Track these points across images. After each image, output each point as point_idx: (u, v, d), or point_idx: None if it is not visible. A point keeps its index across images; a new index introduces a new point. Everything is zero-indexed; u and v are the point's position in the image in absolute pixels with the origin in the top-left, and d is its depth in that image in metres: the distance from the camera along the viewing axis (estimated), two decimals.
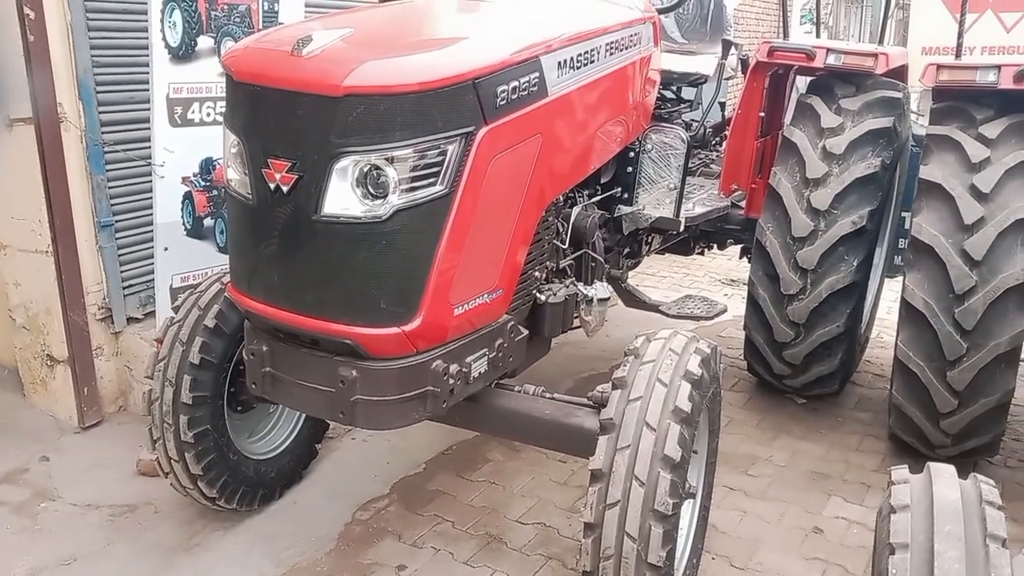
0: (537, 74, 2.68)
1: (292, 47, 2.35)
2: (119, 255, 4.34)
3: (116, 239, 4.31)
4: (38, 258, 4.20)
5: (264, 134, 2.42)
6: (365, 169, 2.32)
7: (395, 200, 2.34)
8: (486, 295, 2.72)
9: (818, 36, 5.53)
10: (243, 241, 2.60)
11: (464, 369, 2.70)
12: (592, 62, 3.03)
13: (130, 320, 4.46)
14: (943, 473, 1.98)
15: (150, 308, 4.41)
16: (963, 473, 2.10)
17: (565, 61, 2.86)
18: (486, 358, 2.81)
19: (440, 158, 2.39)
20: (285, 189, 2.37)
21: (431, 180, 2.39)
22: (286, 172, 2.35)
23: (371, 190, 2.34)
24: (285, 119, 2.35)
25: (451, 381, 2.63)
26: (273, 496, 3.67)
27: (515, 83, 2.57)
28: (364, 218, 2.35)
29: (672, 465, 2.40)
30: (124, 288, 4.38)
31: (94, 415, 4.38)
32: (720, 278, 7.16)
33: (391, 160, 2.31)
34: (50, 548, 3.40)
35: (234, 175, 2.56)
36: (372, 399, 2.52)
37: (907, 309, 3.63)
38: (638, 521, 2.37)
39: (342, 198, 2.34)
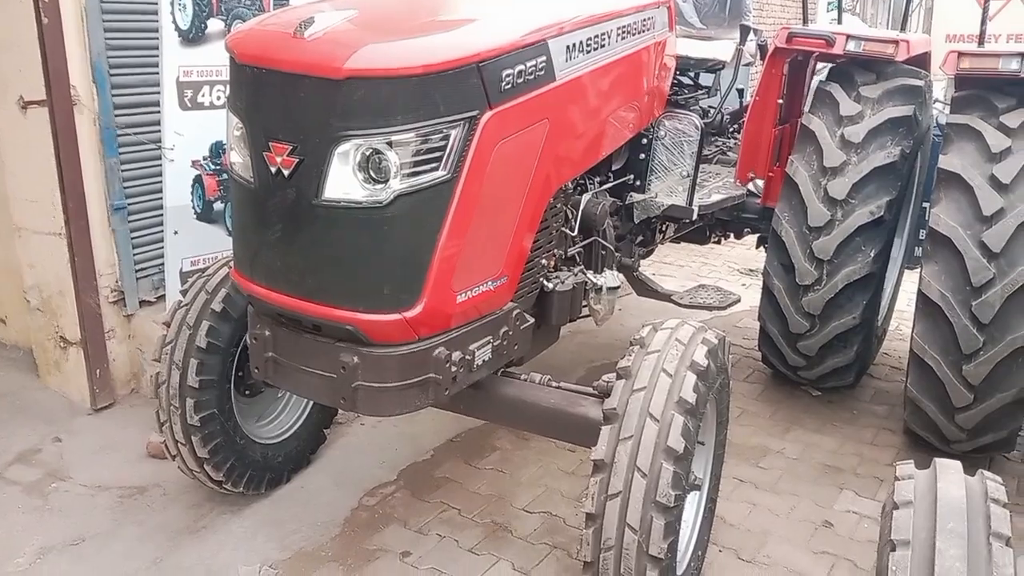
0: (544, 58, 2.64)
1: (294, 29, 2.33)
2: (132, 238, 4.35)
3: (129, 222, 4.32)
4: (51, 240, 4.23)
5: (266, 117, 2.40)
6: (366, 153, 2.29)
7: (396, 185, 2.31)
8: (490, 282, 2.69)
9: (839, 22, 5.43)
10: (245, 225, 2.59)
11: (467, 357, 2.67)
12: (603, 46, 2.98)
13: (143, 303, 4.48)
14: (949, 469, 1.93)
15: (162, 291, 4.42)
16: (977, 469, 2.05)
17: (574, 45, 2.81)
18: (490, 346, 2.78)
19: (443, 143, 2.36)
20: (286, 173, 2.35)
21: (433, 165, 2.36)
22: (287, 155, 2.33)
23: (372, 174, 2.31)
24: (286, 102, 2.33)
25: (453, 368, 2.61)
26: (280, 480, 3.68)
27: (521, 67, 2.53)
28: (365, 203, 2.32)
29: (675, 457, 2.37)
30: (137, 271, 4.40)
31: (106, 397, 4.41)
32: (739, 268, 7.08)
33: (392, 144, 2.28)
34: (59, 528, 3.42)
35: (237, 158, 2.54)
36: (373, 385, 2.51)
37: (923, 301, 3.57)
38: (639, 513, 2.34)
39: (343, 182, 2.31)
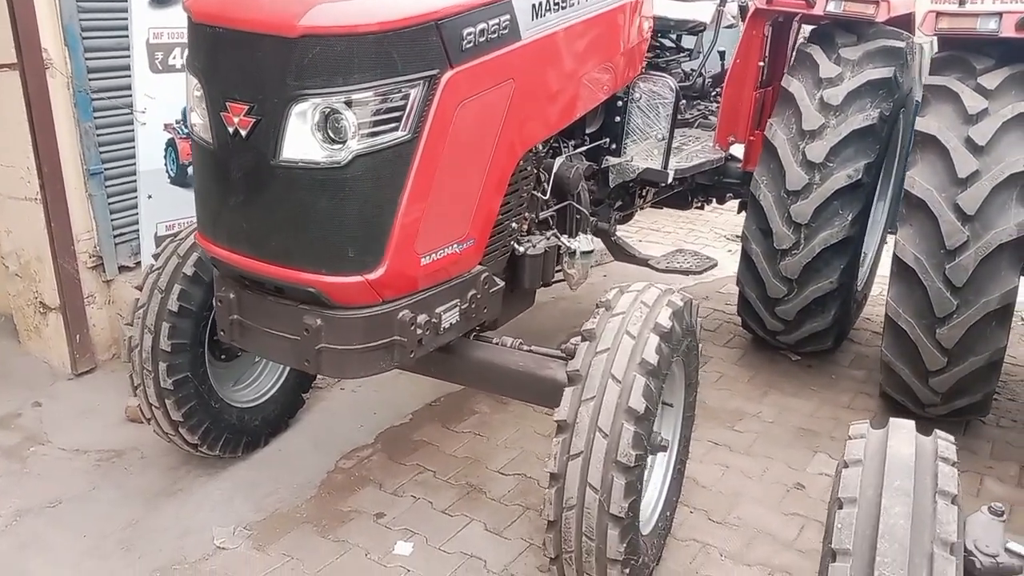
0: (508, 16, 2.60)
1: None
2: (109, 203, 4.32)
3: (106, 187, 4.29)
4: (27, 205, 4.20)
5: (222, 77, 2.37)
6: (324, 113, 2.27)
7: (355, 145, 2.29)
8: (456, 245, 2.68)
9: None
10: (206, 187, 2.57)
11: (433, 320, 2.67)
12: (572, 5, 2.94)
13: (122, 268, 4.47)
14: (901, 429, 1.93)
15: (140, 257, 4.41)
16: (953, 432, 2.05)
17: (541, 4, 2.77)
18: (457, 309, 2.78)
19: (402, 103, 2.33)
20: (244, 133, 2.32)
21: (393, 125, 2.34)
22: (244, 115, 2.30)
23: (331, 135, 2.29)
24: (243, 61, 2.30)
25: (419, 331, 2.61)
26: (258, 444, 3.70)
27: (483, 25, 2.49)
28: (323, 163, 2.31)
29: (636, 417, 2.37)
30: (115, 236, 4.38)
31: (87, 362, 4.42)
32: (725, 234, 7.06)
33: (350, 104, 2.25)
34: (37, 491, 3.45)
35: (197, 120, 2.52)
36: (337, 348, 2.51)
37: (898, 265, 3.56)
38: (600, 472, 2.35)
39: (301, 143, 2.29)
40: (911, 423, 2.00)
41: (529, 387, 2.86)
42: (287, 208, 2.38)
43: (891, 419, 2.05)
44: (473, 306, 2.86)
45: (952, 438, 1.94)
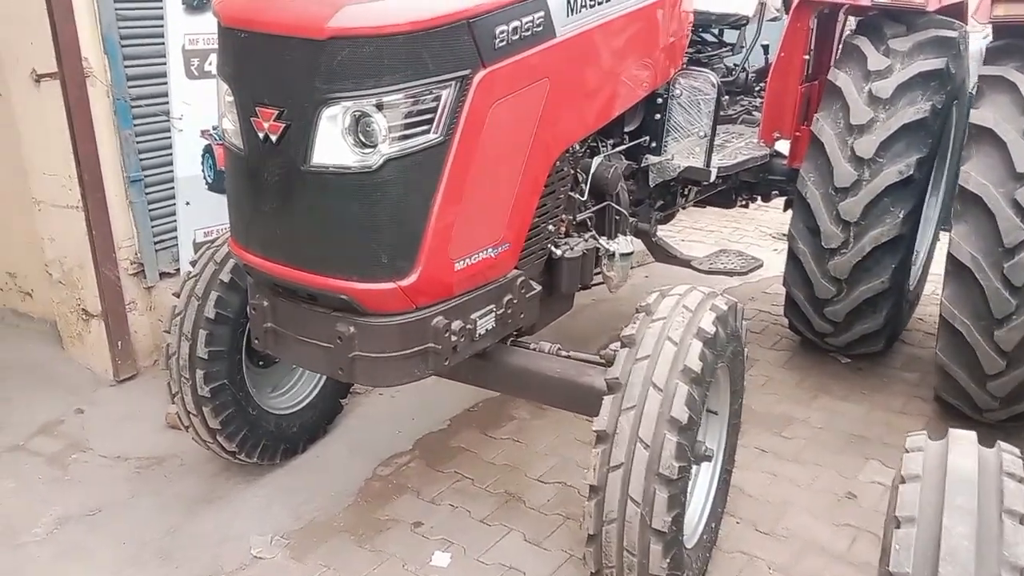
0: (542, 13, 2.52)
1: None
2: (150, 210, 4.35)
3: (146, 194, 4.32)
4: (69, 213, 4.24)
5: (252, 82, 2.33)
6: (355, 116, 2.22)
7: (386, 149, 2.24)
8: (491, 249, 2.61)
9: None
10: (238, 194, 2.54)
11: (468, 326, 2.60)
12: (608, 1, 2.85)
13: (163, 275, 4.50)
14: (962, 441, 1.82)
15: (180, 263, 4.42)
16: (1013, 438, 1.93)
17: (576, 0, 2.69)
18: (493, 314, 2.71)
19: (434, 104, 2.27)
20: (274, 138, 2.28)
21: (425, 128, 2.28)
22: (274, 120, 2.26)
23: (361, 138, 2.24)
24: (271, 65, 2.26)
25: (453, 338, 2.54)
26: (296, 450, 3.68)
27: (516, 23, 2.42)
28: (355, 168, 2.25)
29: (679, 427, 2.28)
30: (155, 243, 4.41)
31: (128, 368, 4.44)
32: (771, 232, 6.89)
33: (380, 107, 2.20)
34: (78, 498, 3.46)
35: (228, 125, 2.49)
36: (371, 355, 2.45)
37: (953, 264, 3.41)
38: (642, 485, 2.26)
39: (331, 147, 2.24)
40: (972, 434, 1.88)
41: (567, 395, 2.78)
42: (318, 214, 2.34)
43: (950, 430, 1.93)
44: (509, 311, 2.79)
45: (1018, 451, 1.82)
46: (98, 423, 4.04)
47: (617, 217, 3.45)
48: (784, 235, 6.75)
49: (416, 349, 2.49)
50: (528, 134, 2.61)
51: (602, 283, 3.46)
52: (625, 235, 3.45)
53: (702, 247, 6.51)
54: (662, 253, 4.29)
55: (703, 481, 2.88)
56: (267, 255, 2.49)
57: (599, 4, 2.79)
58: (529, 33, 2.47)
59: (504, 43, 2.39)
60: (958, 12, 4.23)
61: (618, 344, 2.58)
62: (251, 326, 2.78)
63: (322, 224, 2.35)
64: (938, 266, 5.26)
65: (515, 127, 2.55)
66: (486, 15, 2.32)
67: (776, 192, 4.81)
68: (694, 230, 6.94)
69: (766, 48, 4.79)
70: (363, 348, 2.45)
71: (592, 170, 3.22)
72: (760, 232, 6.95)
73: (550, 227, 3.02)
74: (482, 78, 2.34)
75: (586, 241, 3.22)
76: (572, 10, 2.65)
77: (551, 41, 2.58)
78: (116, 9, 4.01)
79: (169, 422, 3.95)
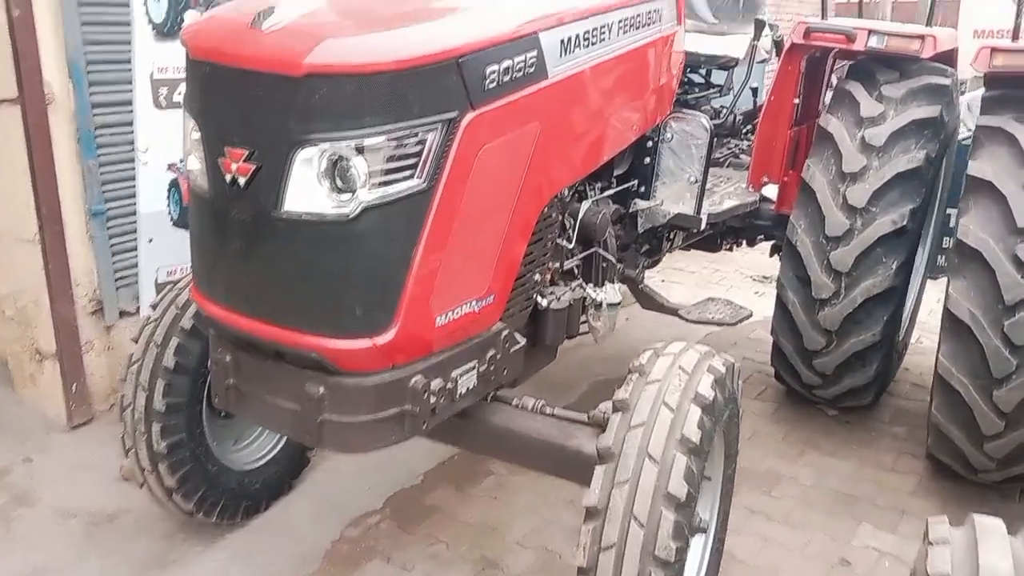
0: (535, 53, 2.37)
1: (251, 20, 2.07)
2: (111, 245, 4.10)
3: (108, 228, 4.08)
4: (25, 247, 4.00)
5: (220, 119, 2.15)
6: (332, 160, 2.04)
7: (365, 195, 2.06)
8: (475, 302, 2.43)
9: (860, 16, 5.14)
10: (202, 239, 2.34)
11: (449, 385, 2.41)
12: (602, 41, 2.71)
13: (123, 314, 4.25)
14: (991, 534, 1.65)
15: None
16: (1008, 498, 1.76)
17: (570, 39, 2.54)
18: (475, 371, 2.52)
19: (418, 148, 2.10)
20: (242, 181, 2.09)
21: (407, 173, 2.10)
22: (243, 162, 2.07)
23: (338, 183, 2.06)
24: (242, 102, 2.08)
25: (433, 399, 2.35)
26: (259, 508, 3.44)
27: (508, 63, 2.26)
28: (330, 215, 2.07)
29: (677, 504, 2.10)
30: (116, 280, 4.16)
31: (83, 413, 4.18)
32: (751, 275, 6.80)
33: (360, 150, 2.02)
34: (20, 558, 3.21)
35: (194, 164, 2.29)
36: (342, 419, 2.25)
37: (950, 320, 3.29)
38: (636, 568, 2.07)
39: (305, 193, 2.06)
40: (1000, 524, 1.72)
41: (554, 460, 2.59)
42: (289, 264, 2.15)
43: (975, 518, 1.77)
44: (492, 368, 2.61)
45: None
46: (47, 473, 3.77)
47: (604, 264, 3.29)
48: (765, 278, 6.70)
49: (392, 412, 2.29)
50: (517, 180, 2.44)
51: (587, 332, 3.29)
52: (612, 283, 3.29)
53: (682, 289, 6.40)
54: (648, 300, 4.14)
55: (695, 552, 2.69)
56: (231, 307, 2.28)
57: (593, 44, 2.65)
58: (521, 74, 2.32)
59: (495, 84, 2.23)
60: (949, 59, 4.16)
61: (608, 405, 2.40)
62: (212, 382, 2.56)
63: (293, 275, 2.16)
64: (922, 314, 5.20)
65: (504, 173, 2.38)
66: (477, 54, 2.16)
67: (762, 237, 4.71)
68: (673, 270, 6.81)
69: (755, 91, 4.70)
70: (333, 411, 2.24)
71: (580, 215, 3.06)
72: (740, 274, 6.85)
73: (536, 276, 2.85)
74: (470, 121, 2.18)
75: (572, 290, 3.05)
76: (565, 50, 2.50)
77: (543, 82, 2.42)
78: (83, 33, 3.81)
79: (123, 474, 3.69)
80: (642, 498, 2.11)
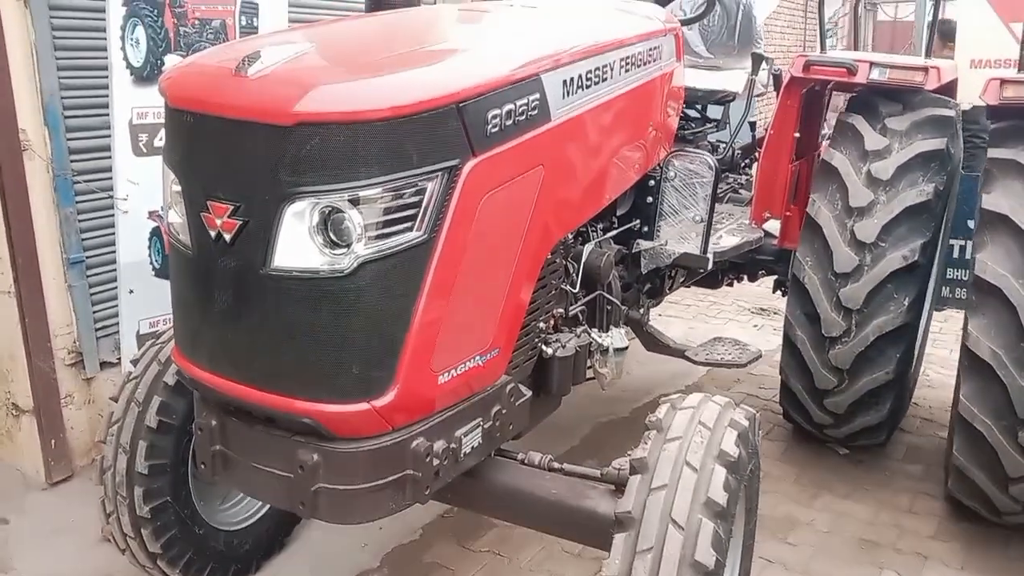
0: (538, 95, 2.25)
1: (236, 66, 1.94)
2: (91, 294, 3.96)
3: (87, 277, 3.94)
4: (0, 298, 3.83)
5: (203, 171, 2.01)
6: (324, 213, 1.90)
7: (361, 250, 1.92)
8: (479, 357, 2.29)
9: (856, 48, 5.08)
10: (185, 299, 2.19)
11: (452, 445, 2.26)
12: (604, 80, 2.60)
13: (104, 365, 4.08)
14: None
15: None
16: None
17: (572, 80, 2.43)
18: (480, 429, 2.37)
19: (417, 198, 1.97)
20: (228, 237, 1.95)
21: (406, 225, 1.97)
22: (228, 217, 1.93)
23: (332, 237, 1.92)
24: (226, 153, 1.94)
25: (435, 462, 2.20)
26: (248, 570, 3.25)
27: (510, 106, 2.15)
28: (323, 272, 1.93)
29: (705, 573, 1.95)
30: (97, 330, 4.01)
31: (63, 470, 4.00)
32: (749, 307, 6.69)
33: (356, 202, 1.89)
34: None
35: (175, 218, 2.15)
36: (338, 488, 2.09)
37: (971, 359, 3.16)
38: None
39: (296, 248, 1.92)
40: None
41: (567, 522, 2.43)
42: (279, 325, 2.00)
43: None
44: (498, 424, 2.46)
45: None
46: (24, 537, 3.57)
47: (609, 308, 3.16)
48: (763, 310, 6.59)
49: (392, 478, 2.14)
50: (521, 227, 2.31)
51: (592, 378, 3.15)
52: (618, 327, 3.16)
53: (679, 323, 6.28)
54: (653, 342, 4.00)
55: None
56: (217, 370, 2.13)
57: (595, 84, 2.54)
58: (524, 117, 2.19)
59: (497, 129, 2.10)
60: (950, 90, 4.08)
61: (624, 462, 2.26)
62: (196, 448, 2.40)
63: (283, 336, 2.01)
64: (929, 346, 5.09)
65: (508, 220, 2.25)
66: (479, 98, 2.04)
67: (763, 272, 4.60)
68: (669, 304, 6.66)
69: (752, 125, 4.61)
70: (329, 479, 2.09)
71: (584, 259, 2.93)
72: (738, 307, 6.74)
73: (540, 324, 2.71)
74: (472, 168, 2.05)
75: (578, 336, 2.91)
76: (568, 92, 2.39)
77: (547, 125, 2.30)
78: (59, 78, 3.68)
79: (105, 534, 3.49)
80: (667, 568, 1.95)
